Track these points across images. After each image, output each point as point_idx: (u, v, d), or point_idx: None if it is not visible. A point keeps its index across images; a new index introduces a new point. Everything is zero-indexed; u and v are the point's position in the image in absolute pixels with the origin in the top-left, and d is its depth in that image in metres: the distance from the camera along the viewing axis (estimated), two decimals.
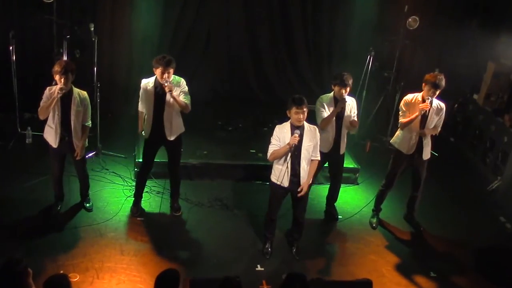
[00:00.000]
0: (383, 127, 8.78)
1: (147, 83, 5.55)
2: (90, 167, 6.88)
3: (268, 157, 5.07)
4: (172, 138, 5.68)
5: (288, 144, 4.90)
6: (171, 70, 5.36)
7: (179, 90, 5.50)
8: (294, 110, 4.91)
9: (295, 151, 5.02)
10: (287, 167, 5.05)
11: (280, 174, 5.09)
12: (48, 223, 5.69)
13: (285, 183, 5.11)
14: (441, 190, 7.37)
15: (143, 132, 5.78)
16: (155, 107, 5.55)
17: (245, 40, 9.88)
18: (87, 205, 5.99)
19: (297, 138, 4.85)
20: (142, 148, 5.97)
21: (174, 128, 5.67)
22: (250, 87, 10.06)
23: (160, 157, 6.07)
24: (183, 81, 5.59)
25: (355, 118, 5.91)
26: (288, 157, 5.02)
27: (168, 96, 5.45)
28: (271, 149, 5.02)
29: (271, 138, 5.06)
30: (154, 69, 5.40)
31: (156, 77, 5.47)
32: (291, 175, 5.09)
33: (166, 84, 5.28)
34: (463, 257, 5.93)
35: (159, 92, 5.48)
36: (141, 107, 5.75)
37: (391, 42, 8.76)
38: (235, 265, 5.39)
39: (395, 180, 6.06)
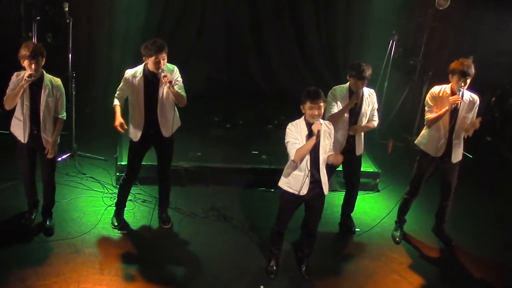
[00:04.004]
0: (408, 124, 8.79)
1: (134, 73, 5.51)
2: (64, 171, 6.93)
3: (293, 158, 4.99)
4: (169, 135, 5.71)
5: (314, 134, 4.88)
6: (165, 56, 5.37)
7: (174, 80, 5.48)
8: (308, 105, 4.91)
9: (312, 152, 5.03)
10: (306, 173, 5.05)
11: (297, 182, 5.10)
12: (15, 235, 5.69)
13: (303, 191, 5.11)
14: (476, 199, 7.37)
15: (129, 130, 5.66)
16: (146, 102, 5.53)
17: (246, 20, 9.90)
18: (48, 223, 5.84)
19: (321, 125, 4.87)
20: (128, 150, 5.92)
21: (170, 123, 5.68)
22: (252, 77, 10.09)
23: (146, 159, 6.07)
24: (176, 69, 5.60)
25: (375, 113, 5.92)
26: (307, 162, 5.03)
27: (161, 88, 5.46)
28: (293, 147, 4.98)
29: (287, 137, 5.02)
30: (144, 58, 5.38)
31: (144, 65, 5.48)
32: (310, 181, 5.11)
33: (163, 74, 5.27)
34: (500, 280, 5.91)
35: (150, 83, 5.47)
36: (116, 100, 5.65)
37: (418, 24, 8.77)
38: (235, 286, 5.40)
39: (421, 186, 6.07)
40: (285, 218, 5.38)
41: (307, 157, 5.03)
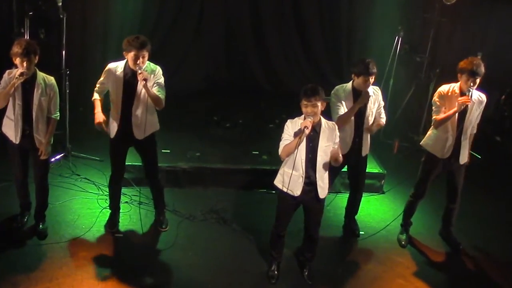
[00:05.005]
0: (414, 124, 8.79)
1: (115, 67, 5.53)
2: (58, 172, 6.94)
3: (280, 153, 5.07)
4: (141, 138, 5.69)
5: (300, 130, 4.88)
6: (146, 54, 5.36)
7: (153, 80, 5.47)
8: (302, 102, 4.93)
9: (309, 153, 5.04)
10: (301, 173, 5.06)
11: (289, 180, 5.11)
12: (7, 238, 5.69)
13: (296, 191, 5.12)
14: (485, 201, 7.37)
15: (107, 128, 5.64)
16: (123, 99, 5.53)
17: (246, 16, 9.89)
18: (41, 226, 5.85)
19: (310, 122, 4.86)
20: (108, 149, 5.90)
21: (145, 126, 5.65)
22: (252, 75, 10.09)
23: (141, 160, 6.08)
24: (159, 70, 5.59)
25: (381, 111, 5.90)
26: (303, 162, 5.03)
27: (139, 87, 5.45)
28: (283, 144, 5.04)
29: (283, 134, 5.07)
30: (124, 52, 5.40)
31: (126, 61, 5.49)
32: (304, 182, 5.11)
33: (140, 72, 5.28)
34: (510, 285, 5.91)
35: (129, 80, 5.46)
36: (95, 95, 5.63)
37: (424, 20, 8.76)
38: None
39: (427, 189, 6.05)
40: (282, 219, 5.38)
41: (303, 157, 5.03)
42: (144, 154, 5.93)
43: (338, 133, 5.17)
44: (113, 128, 5.65)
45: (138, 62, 5.28)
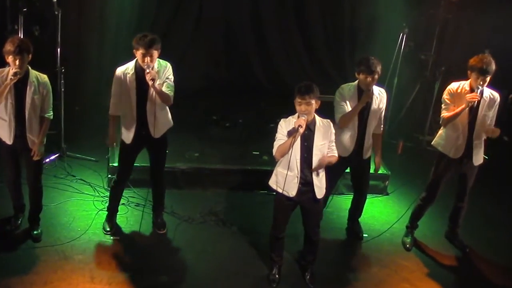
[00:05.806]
0: (419, 123, 8.77)
1: (125, 70, 5.51)
2: (52, 173, 6.93)
3: (274, 154, 5.09)
4: (158, 136, 5.69)
5: (294, 129, 4.89)
6: (155, 53, 5.35)
7: (164, 78, 5.49)
8: (296, 100, 4.95)
9: (304, 152, 5.02)
10: (296, 173, 5.04)
11: (284, 180, 5.09)
12: (0, 241, 5.67)
13: (291, 192, 5.12)
14: (493, 202, 7.38)
15: (119, 141, 5.75)
16: (138, 100, 5.52)
17: (246, 13, 9.89)
18: (35, 232, 5.83)
19: (304, 121, 4.85)
20: (119, 151, 5.91)
21: (160, 123, 5.66)
22: (253, 73, 10.07)
23: (140, 161, 6.06)
24: (169, 67, 5.59)
25: (382, 117, 5.90)
26: (298, 161, 5.02)
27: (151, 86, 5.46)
28: (277, 144, 5.04)
29: (276, 134, 5.08)
30: (134, 50, 5.40)
31: (136, 61, 5.48)
32: (300, 183, 5.09)
33: (148, 71, 5.27)
34: None
35: (142, 79, 5.45)
36: (113, 108, 5.67)
37: (429, 16, 8.75)
38: None
39: (438, 192, 6.03)
40: (279, 221, 5.38)
41: (298, 157, 5.03)
42: (155, 153, 5.93)
43: (333, 131, 5.18)
44: (129, 133, 5.64)
45: (145, 60, 5.29)
